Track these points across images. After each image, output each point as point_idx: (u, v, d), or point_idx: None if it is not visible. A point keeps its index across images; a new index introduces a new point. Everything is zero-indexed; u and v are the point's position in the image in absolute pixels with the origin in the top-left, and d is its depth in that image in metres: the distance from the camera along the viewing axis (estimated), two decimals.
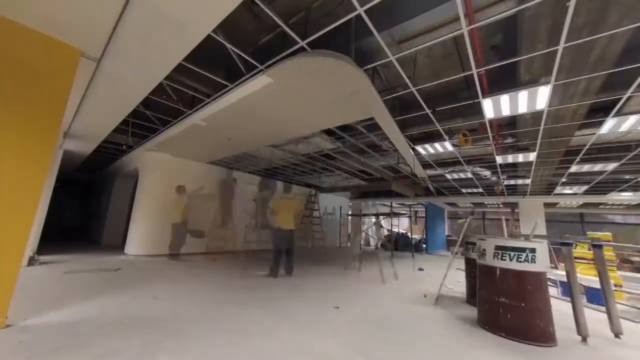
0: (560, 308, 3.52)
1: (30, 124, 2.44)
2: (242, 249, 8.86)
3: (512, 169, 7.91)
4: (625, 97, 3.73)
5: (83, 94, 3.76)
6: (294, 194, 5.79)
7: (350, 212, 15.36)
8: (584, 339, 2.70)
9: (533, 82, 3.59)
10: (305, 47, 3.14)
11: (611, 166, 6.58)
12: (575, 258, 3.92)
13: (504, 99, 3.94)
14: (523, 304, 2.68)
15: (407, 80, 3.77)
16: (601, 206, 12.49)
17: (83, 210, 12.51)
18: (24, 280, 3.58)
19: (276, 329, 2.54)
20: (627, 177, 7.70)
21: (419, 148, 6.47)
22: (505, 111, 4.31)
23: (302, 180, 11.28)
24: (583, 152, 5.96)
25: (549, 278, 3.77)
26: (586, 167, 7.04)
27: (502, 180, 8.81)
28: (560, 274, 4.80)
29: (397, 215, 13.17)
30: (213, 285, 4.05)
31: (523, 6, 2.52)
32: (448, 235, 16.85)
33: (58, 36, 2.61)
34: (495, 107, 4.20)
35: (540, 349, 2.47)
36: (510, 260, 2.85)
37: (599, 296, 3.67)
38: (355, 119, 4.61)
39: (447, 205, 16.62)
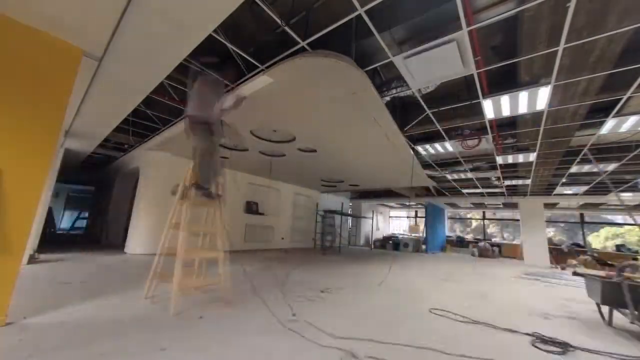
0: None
1: (32, 122, 2.45)
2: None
3: (512, 169, 7.91)
4: (625, 97, 3.73)
5: (84, 93, 3.77)
6: None
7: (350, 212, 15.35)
8: None
9: (533, 82, 3.60)
10: (306, 47, 3.14)
11: (611, 166, 6.59)
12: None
13: (504, 99, 3.95)
14: None
15: (407, 81, 3.78)
16: (601, 206, 12.48)
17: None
18: (25, 279, 3.59)
19: None
20: (627, 177, 7.70)
21: (419, 148, 6.48)
22: (506, 112, 4.31)
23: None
24: (583, 152, 5.97)
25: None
26: (586, 168, 7.05)
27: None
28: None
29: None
30: None
31: (523, 7, 2.52)
32: (448, 236, 16.86)
33: (60, 35, 2.62)
34: (496, 107, 4.21)
35: None
36: None
37: None
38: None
39: (447, 206, 16.61)
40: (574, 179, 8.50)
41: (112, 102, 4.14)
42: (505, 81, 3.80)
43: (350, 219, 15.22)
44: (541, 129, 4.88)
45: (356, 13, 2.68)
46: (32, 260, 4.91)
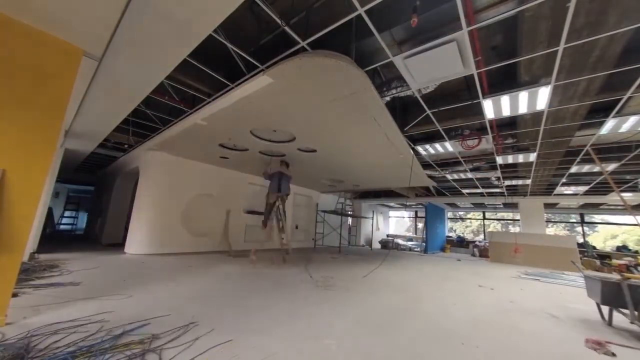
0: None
1: (32, 122, 2.45)
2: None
3: (512, 169, 7.92)
4: (625, 97, 3.73)
5: (84, 92, 3.77)
6: None
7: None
8: None
9: (533, 82, 3.60)
10: (306, 47, 3.14)
11: (611, 167, 6.59)
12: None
13: (504, 99, 3.95)
14: None
15: (407, 81, 3.78)
16: (601, 206, 12.49)
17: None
18: None
19: None
20: (627, 177, 7.71)
21: (419, 148, 6.48)
22: (506, 112, 4.31)
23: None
24: (583, 152, 5.97)
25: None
26: (586, 168, 7.05)
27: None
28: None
29: None
30: None
31: (523, 7, 2.52)
32: (448, 236, 16.85)
33: (60, 35, 2.62)
34: (496, 107, 4.21)
35: None
36: None
37: None
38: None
39: (447, 206, 16.61)
40: (574, 179, 8.50)
41: (112, 102, 4.14)
42: (505, 81, 3.80)
43: (350, 219, 15.20)
44: (541, 129, 4.88)
45: (356, 13, 2.67)
46: (32, 260, 4.91)
